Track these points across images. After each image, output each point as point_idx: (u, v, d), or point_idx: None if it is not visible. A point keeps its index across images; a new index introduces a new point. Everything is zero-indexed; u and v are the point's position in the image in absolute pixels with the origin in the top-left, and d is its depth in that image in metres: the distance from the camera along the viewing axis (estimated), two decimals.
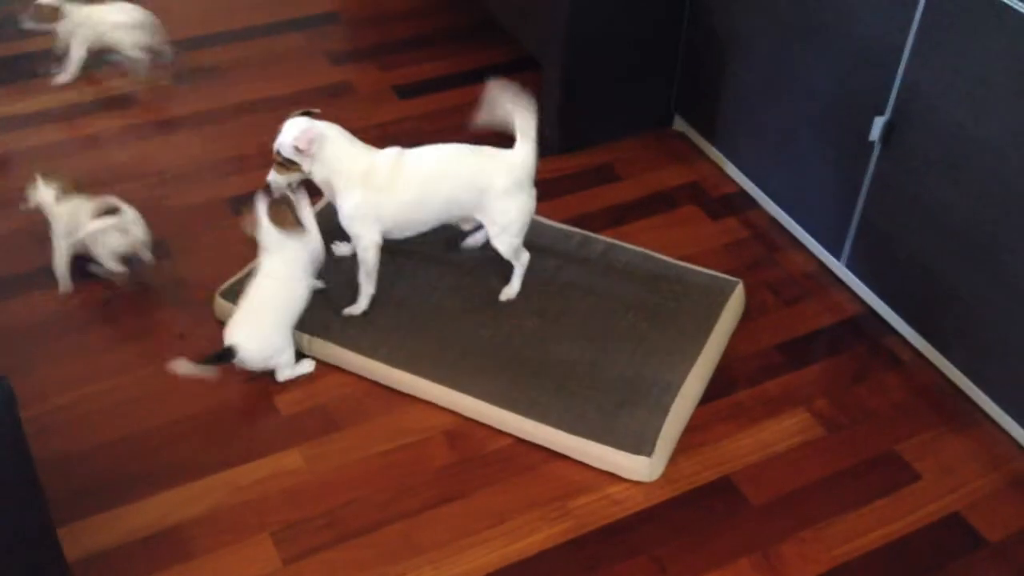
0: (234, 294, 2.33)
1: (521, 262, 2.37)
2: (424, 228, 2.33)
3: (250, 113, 3.01)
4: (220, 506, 2.00)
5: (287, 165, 2.22)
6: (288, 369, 2.23)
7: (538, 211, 2.37)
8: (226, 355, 2.15)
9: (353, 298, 2.34)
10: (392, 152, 2.25)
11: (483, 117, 2.23)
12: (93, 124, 2.94)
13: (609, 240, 2.56)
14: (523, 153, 2.25)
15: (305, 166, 2.21)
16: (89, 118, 2.96)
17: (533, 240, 2.42)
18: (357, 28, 3.41)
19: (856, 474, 2.12)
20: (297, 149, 2.17)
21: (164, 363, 2.25)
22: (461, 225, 2.45)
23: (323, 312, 2.32)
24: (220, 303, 2.35)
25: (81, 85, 3.08)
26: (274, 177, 2.24)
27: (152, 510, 1.99)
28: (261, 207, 2.22)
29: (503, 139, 2.28)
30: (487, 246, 2.38)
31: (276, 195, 2.25)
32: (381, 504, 2.02)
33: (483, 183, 2.24)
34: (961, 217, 2.15)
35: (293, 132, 2.18)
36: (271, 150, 2.22)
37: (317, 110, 2.25)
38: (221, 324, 2.34)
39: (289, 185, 2.25)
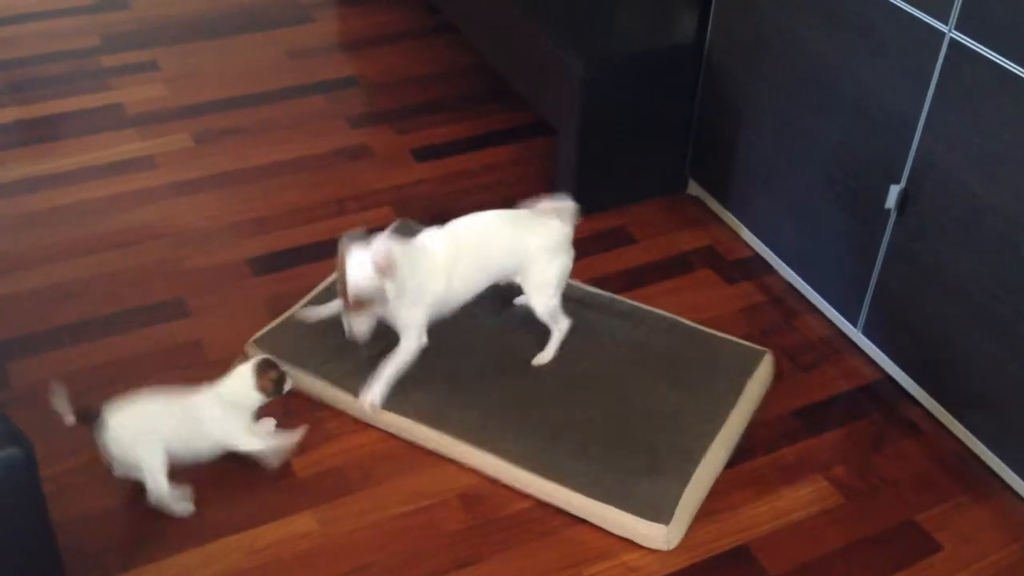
0: (267, 343, 2.36)
1: (560, 328, 2.38)
2: (471, 297, 2.32)
3: (271, 175, 3.05)
4: (235, 569, 1.99)
5: (364, 303, 2.06)
6: (155, 493, 2.00)
7: None
8: (89, 416, 1.97)
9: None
10: (439, 235, 2.25)
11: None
12: (116, 184, 2.98)
13: (636, 304, 2.56)
14: (562, 223, 2.30)
15: (389, 291, 2.06)
16: (112, 178, 3.00)
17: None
18: (376, 92, 3.47)
19: (876, 544, 2.10)
20: (379, 271, 2.03)
21: None
22: (513, 279, 2.42)
23: (348, 366, 2.32)
24: (254, 352, 2.35)
25: (102, 146, 3.13)
26: (357, 325, 2.11)
27: (167, 572, 1.98)
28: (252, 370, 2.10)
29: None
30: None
31: (361, 341, 2.15)
32: (395, 569, 2.01)
33: (523, 245, 2.28)
34: (977, 284, 2.15)
35: (364, 262, 2.02)
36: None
37: (357, 230, 2.14)
38: None
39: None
